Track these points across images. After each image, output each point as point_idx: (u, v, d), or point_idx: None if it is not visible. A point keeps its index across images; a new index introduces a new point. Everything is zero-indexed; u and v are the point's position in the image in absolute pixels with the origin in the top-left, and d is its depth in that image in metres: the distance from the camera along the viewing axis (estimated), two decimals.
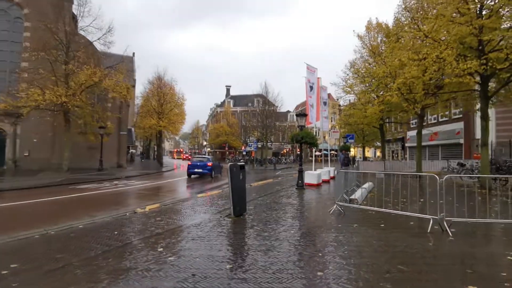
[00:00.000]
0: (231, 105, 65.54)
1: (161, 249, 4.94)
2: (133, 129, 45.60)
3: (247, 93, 62.83)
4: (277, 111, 50.48)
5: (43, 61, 20.06)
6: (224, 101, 69.04)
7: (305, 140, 13.03)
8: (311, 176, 14.71)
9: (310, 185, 14.11)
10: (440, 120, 26.19)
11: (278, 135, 59.35)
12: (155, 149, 57.89)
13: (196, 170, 20.58)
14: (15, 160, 23.49)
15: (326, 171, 16.83)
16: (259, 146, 45.63)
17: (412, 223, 6.77)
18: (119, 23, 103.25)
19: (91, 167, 23.77)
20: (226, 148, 58.98)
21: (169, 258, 4.47)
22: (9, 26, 24.39)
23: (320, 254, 4.68)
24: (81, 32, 22.57)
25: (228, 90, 71.72)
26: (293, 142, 14.21)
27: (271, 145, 52.72)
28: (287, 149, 63.20)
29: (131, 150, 41.67)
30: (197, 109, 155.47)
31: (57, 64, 20.01)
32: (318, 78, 16.96)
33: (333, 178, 17.83)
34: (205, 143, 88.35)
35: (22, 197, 11.30)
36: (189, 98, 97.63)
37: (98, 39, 21.30)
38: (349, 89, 24.55)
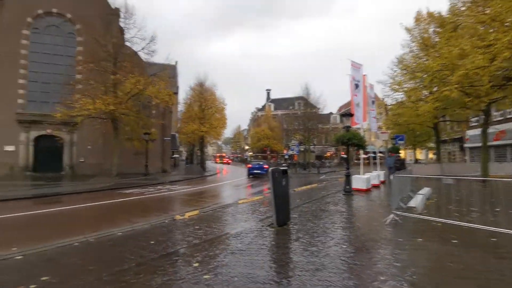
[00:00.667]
0: (272, 109, 65.13)
1: (197, 264, 4.46)
2: (176, 135, 47.12)
3: (288, 95, 62.04)
4: (320, 113, 48.91)
5: (94, 73, 21.22)
6: (264, 104, 68.88)
7: (352, 141, 12.00)
8: (359, 180, 13.58)
9: (359, 191, 12.99)
10: (508, 116, 23.20)
11: (321, 138, 57.57)
12: (199, 154, 59.46)
13: (255, 171, 25.75)
14: (72, 166, 25.18)
15: (376, 175, 15.51)
16: (302, 149, 44.48)
17: (494, 239, 5.57)
18: (163, 32, 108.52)
19: (137, 172, 24.67)
20: (268, 152, 58.56)
21: (204, 277, 3.96)
22: (63, 41, 26.36)
23: (382, 278, 3.86)
24: (127, 43, 23.66)
25: (268, 94, 71.51)
26: (338, 144, 13.25)
27: (313, 148, 51.20)
28: (331, 152, 61.09)
29: (175, 155, 42.98)
30: (238, 114, 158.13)
31: (106, 75, 21.03)
32: (364, 75, 15.75)
33: (383, 182, 16.43)
34: (246, 147, 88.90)
35: (73, 202, 11.75)
36: (230, 103, 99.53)
37: (142, 48, 22.10)
38: (397, 86, 22.64)
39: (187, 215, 8.28)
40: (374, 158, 19.50)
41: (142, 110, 24.75)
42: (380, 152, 20.81)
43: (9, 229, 7.91)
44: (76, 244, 5.78)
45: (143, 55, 23.70)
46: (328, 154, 61.05)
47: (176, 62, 54.18)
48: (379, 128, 24.42)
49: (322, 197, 11.74)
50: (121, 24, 24.15)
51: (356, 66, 14.59)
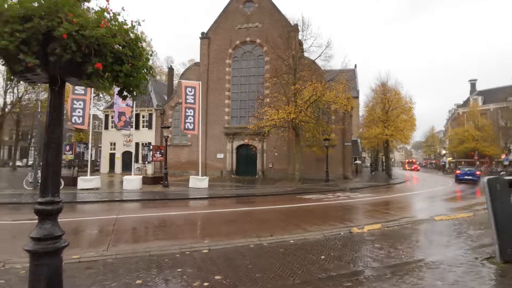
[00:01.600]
0: (479, 103, 51.84)
1: None
2: (358, 140, 45.25)
3: (503, 84, 47.65)
4: None
5: (277, 86, 23.40)
6: (468, 99, 55.83)
7: None
8: None
9: None
10: None
11: None
12: (383, 160, 54.83)
13: (466, 177, 25.67)
14: (263, 170, 28.60)
15: None
16: None
17: None
18: (339, 39, 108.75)
19: (319, 177, 25.01)
20: (476, 157, 46.75)
21: None
22: (255, 63, 30.67)
23: None
24: (306, 54, 24.81)
25: (473, 86, 57.56)
26: None
27: None
28: None
29: (357, 161, 41.28)
30: (430, 113, 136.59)
31: (287, 86, 22.69)
32: None
33: None
34: (443, 151, 74.87)
35: (258, 203, 12.88)
36: (419, 102, 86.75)
37: (319, 56, 22.49)
38: None
39: (366, 228, 7.11)
40: None
41: (321, 117, 25.06)
42: None
43: (208, 224, 9.29)
44: (252, 246, 5.86)
45: (320, 63, 24.22)
46: None
47: (355, 66, 52.95)
48: None
49: None
50: (300, 37, 25.55)
51: None
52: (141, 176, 17.33)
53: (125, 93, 2.69)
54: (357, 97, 46.92)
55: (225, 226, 8.54)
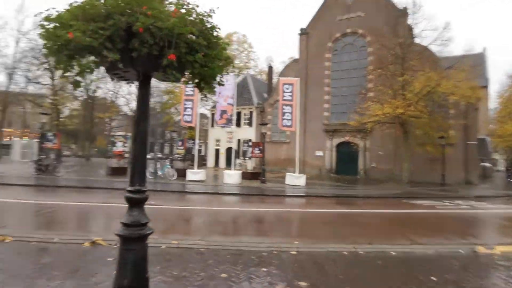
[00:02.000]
0: None
1: None
2: (488, 138, 37.68)
3: None
4: None
5: (382, 78, 21.26)
6: None
7: None
8: None
9: None
10: None
11: None
12: None
13: None
14: (365, 170, 26.60)
15: None
16: None
17: None
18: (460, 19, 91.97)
19: (432, 181, 21.74)
20: None
21: None
22: (357, 56, 28.63)
23: None
24: (417, 40, 21.79)
25: None
26: None
27: None
28: None
29: (485, 163, 34.22)
30: None
31: (394, 78, 20.36)
32: None
33: None
34: None
35: (359, 205, 11.92)
36: None
37: (434, 40, 19.39)
38: None
39: (498, 249, 5.62)
40: None
41: (437, 110, 21.64)
42: None
43: (301, 223, 9.00)
44: (345, 253, 5.32)
45: (435, 48, 20.92)
46: None
47: (484, 49, 44.14)
48: None
49: None
50: (409, 21, 22.67)
51: None
52: (240, 171, 18.25)
53: (202, 85, 2.63)
54: (485, 87, 39.05)
55: (318, 228, 8.11)
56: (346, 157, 27.83)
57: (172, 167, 18.04)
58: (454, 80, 17.57)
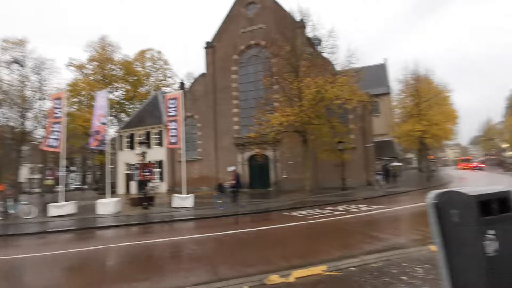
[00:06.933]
0: None
1: None
2: (394, 140, 40.53)
3: None
4: None
5: (280, 88, 21.07)
6: None
7: None
8: None
9: None
10: None
11: None
12: (433, 160, 48.68)
13: None
14: (277, 182, 26.00)
15: None
16: None
17: None
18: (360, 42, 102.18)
19: (337, 186, 21.81)
20: None
21: None
22: (262, 67, 28.28)
23: None
24: (311, 50, 22.20)
25: None
26: None
27: None
28: None
29: (393, 164, 36.41)
30: (484, 105, 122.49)
31: (289, 86, 20.18)
32: None
33: None
34: (504, 145, 65.41)
35: (223, 226, 10.50)
36: (467, 95, 77.58)
37: (320, 46, 19.81)
38: None
39: (295, 275, 4.50)
40: None
41: (336, 117, 21.96)
42: None
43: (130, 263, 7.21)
44: None
45: (328, 56, 21.44)
46: None
47: (385, 60, 48.35)
48: None
49: None
50: (307, 31, 23.06)
51: None
52: (117, 199, 15.84)
53: None
54: (388, 93, 42.48)
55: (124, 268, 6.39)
56: (259, 170, 27.04)
57: (29, 203, 14.94)
58: (339, 84, 17.78)
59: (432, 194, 2.19)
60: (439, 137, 30.75)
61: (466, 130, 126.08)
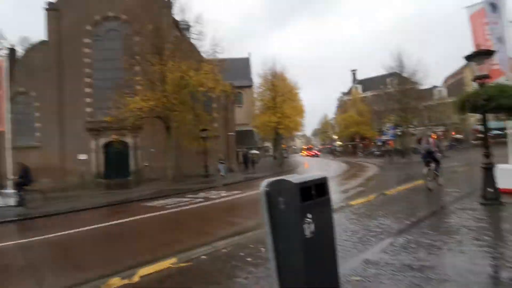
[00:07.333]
0: (360, 91, 56.74)
1: None
2: (255, 130, 44.11)
3: (377, 74, 52.98)
4: (420, 88, 38.75)
5: (141, 69, 19.44)
6: (350, 88, 60.87)
7: (499, 103, 6.01)
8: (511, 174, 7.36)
9: None
10: None
11: (423, 117, 46.81)
12: (286, 148, 55.65)
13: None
14: (137, 171, 24.25)
15: None
16: (398, 133, 36.26)
17: None
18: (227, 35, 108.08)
19: (200, 173, 22.08)
20: (357, 140, 51.03)
21: None
22: (123, 45, 25.30)
23: None
24: (177, 33, 21.34)
25: (353, 75, 63.01)
26: (463, 113, 7.34)
27: (414, 130, 41.59)
28: (439, 133, 49.51)
29: (252, 152, 39.77)
30: (324, 102, 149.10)
31: (152, 69, 18.85)
32: None
33: None
34: (334, 136, 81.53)
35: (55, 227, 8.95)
36: (313, 94, 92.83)
37: (188, 31, 19.32)
38: None
39: (140, 274, 4.13)
40: None
41: (198, 105, 21.96)
42: None
43: None
44: None
45: (194, 41, 21.06)
46: (434, 136, 49.51)
47: (250, 54, 51.69)
48: None
49: (439, 212, 6.16)
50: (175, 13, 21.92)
51: None
52: None
53: None
54: (250, 86, 45.77)
55: None
56: (117, 158, 24.42)
57: None
58: (204, 72, 17.81)
59: (264, 183, 2.27)
60: (291, 128, 35.33)
61: (310, 123, 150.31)
